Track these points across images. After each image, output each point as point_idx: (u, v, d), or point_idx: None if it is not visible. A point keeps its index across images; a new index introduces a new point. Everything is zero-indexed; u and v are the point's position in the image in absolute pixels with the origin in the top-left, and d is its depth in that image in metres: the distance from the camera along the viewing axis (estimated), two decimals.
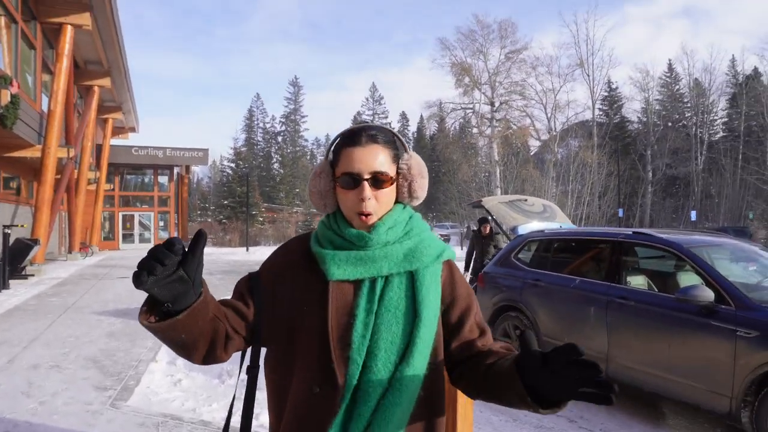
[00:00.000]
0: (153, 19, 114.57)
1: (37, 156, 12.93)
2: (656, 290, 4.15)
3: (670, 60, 45.18)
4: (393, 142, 1.09)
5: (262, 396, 1.27)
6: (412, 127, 65.55)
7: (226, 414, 3.51)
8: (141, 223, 29.09)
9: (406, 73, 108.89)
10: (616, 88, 44.84)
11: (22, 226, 12.54)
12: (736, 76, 42.49)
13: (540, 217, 7.13)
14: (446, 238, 28.09)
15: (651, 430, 3.63)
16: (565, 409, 0.88)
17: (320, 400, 0.98)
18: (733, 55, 47.35)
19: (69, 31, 12.94)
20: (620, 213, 28.92)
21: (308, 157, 61.79)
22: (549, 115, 37.52)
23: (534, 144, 39.11)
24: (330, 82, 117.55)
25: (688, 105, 42.74)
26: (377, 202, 1.03)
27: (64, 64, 12.90)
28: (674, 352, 3.51)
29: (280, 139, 63.05)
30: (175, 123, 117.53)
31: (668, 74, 44.97)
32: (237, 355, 1.12)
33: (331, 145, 1.10)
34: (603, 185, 33.26)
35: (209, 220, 37.56)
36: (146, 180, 30.36)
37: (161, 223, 29.77)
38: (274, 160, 60.01)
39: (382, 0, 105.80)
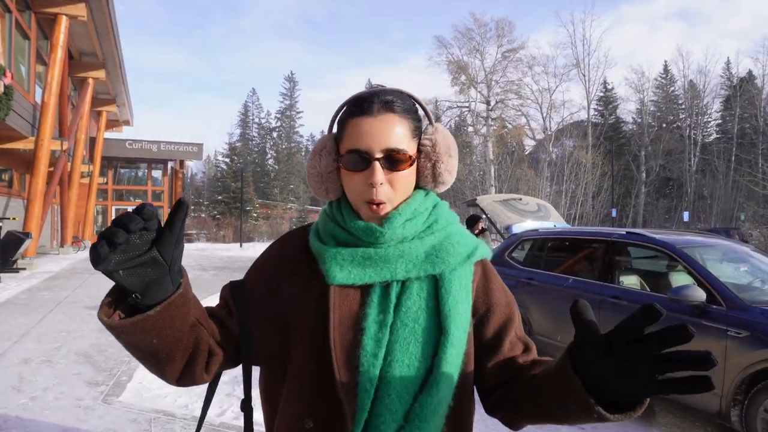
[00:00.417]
0: (148, 12, 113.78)
1: (30, 148, 12.81)
2: (649, 290, 4.18)
3: (665, 61, 45.48)
4: (414, 110, 0.87)
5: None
6: None
7: (218, 411, 3.52)
8: None
9: (402, 70, 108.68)
10: (612, 88, 45.10)
11: (14, 218, 12.44)
12: (731, 79, 42.77)
13: (534, 216, 7.16)
14: None
15: (642, 428, 3.65)
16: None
17: None
18: (728, 57, 47.69)
19: (64, 22, 12.81)
20: (614, 213, 29.07)
21: (303, 153, 61.55)
22: (544, 114, 37.69)
23: (529, 143, 39.29)
24: (326, 79, 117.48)
25: (683, 107, 42.98)
26: (392, 188, 0.82)
27: (59, 55, 12.77)
28: None
29: (275, 134, 62.79)
30: (170, 117, 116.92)
31: (664, 75, 45.21)
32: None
33: (336, 114, 0.88)
34: (597, 185, 33.45)
35: (203, 215, 37.39)
36: (140, 174, 30.22)
37: None
38: (269, 155, 59.79)
39: None
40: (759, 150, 35.64)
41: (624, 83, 62.09)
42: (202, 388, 4.02)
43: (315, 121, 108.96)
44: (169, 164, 29.96)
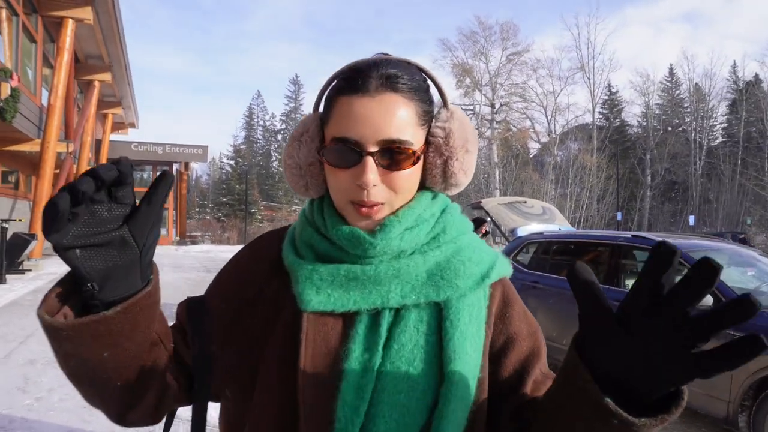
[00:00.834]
0: (154, 15, 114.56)
1: (36, 150, 12.90)
2: None
3: (671, 65, 45.38)
4: (425, 89, 0.66)
5: None
6: None
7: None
8: None
9: None
10: (617, 91, 45.06)
11: (20, 220, 12.51)
12: (737, 82, 42.60)
13: (539, 219, 7.14)
14: None
15: None
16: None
17: None
18: (734, 60, 47.65)
19: (70, 25, 12.91)
20: (619, 216, 28.95)
21: None
22: (549, 117, 37.70)
23: (534, 146, 39.32)
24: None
25: (688, 110, 42.84)
26: (390, 189, 0.62)
27: (65, 58, 12.86)
28: None
29: (280, 137, 63.03)
30: (175, 119, 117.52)
31: (669, 78, 45.11)
32: None
33: (325, 88, 0.68)
34: (602, 188, 33.38)
35: (208, 217, 37.56)
36: (145, 176, 30.34)
37: None
38: (274, 158, 60.03)
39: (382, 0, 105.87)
40: (765, 154, 35.44)
41: (629, 86, 62.13)
42: None
43: None
44: (174, 166, 30.10)
